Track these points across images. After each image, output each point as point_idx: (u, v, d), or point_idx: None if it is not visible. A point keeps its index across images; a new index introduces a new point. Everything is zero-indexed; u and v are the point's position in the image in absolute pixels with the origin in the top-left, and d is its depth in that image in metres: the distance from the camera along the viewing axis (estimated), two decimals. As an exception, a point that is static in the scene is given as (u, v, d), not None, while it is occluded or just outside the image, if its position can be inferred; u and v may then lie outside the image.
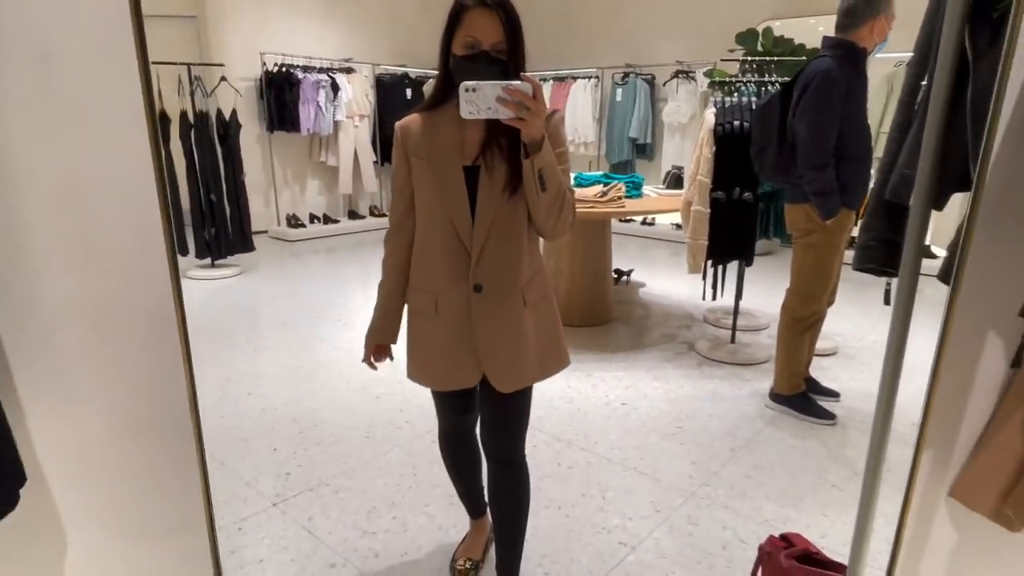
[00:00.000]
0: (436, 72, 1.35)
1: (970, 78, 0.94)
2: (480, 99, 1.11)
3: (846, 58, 2.36)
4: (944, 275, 1.03)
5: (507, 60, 1.22)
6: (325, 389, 3.03)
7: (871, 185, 1.56)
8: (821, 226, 2.48)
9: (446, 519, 2.08)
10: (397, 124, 1.39)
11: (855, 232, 1.81)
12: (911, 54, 1.14)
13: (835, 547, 1.95)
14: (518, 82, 1.11)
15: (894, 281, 1.26)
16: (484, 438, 1.58)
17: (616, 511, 2.13)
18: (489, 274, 1.36)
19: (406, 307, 1.53)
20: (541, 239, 1.46)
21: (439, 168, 1.33)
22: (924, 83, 1.05)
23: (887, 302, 1.36)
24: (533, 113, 1.13)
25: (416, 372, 1.53)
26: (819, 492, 2.24)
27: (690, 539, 1.99)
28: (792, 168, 2.48)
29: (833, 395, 2.91)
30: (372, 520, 2.07)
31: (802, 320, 2.67)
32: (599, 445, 2.55)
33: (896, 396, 1.09)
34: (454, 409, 1.62)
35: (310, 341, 3.67)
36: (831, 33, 2.47)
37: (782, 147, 2.49)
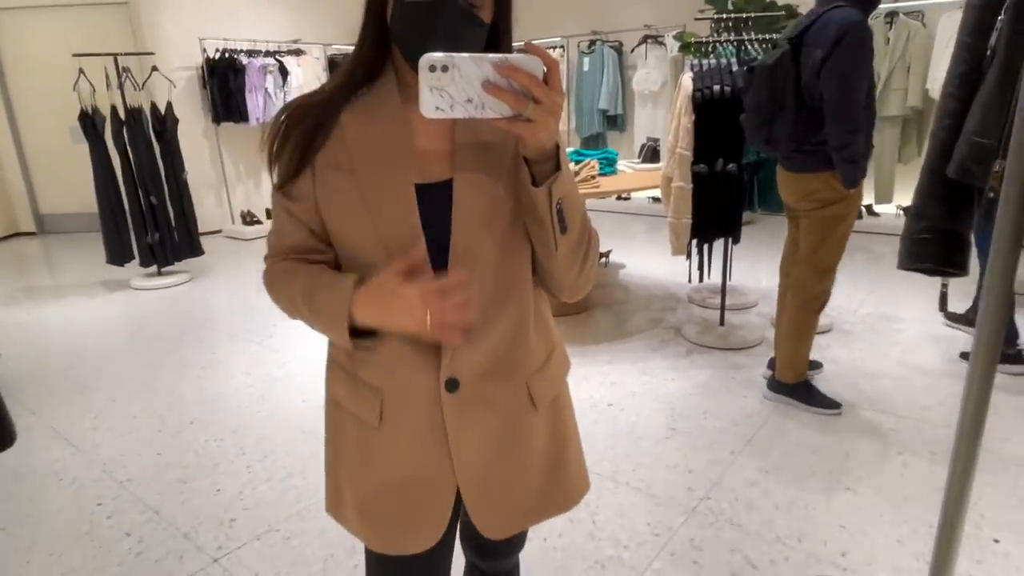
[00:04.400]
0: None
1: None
2: (454, 84, 0.67)
3: (861, 8, 2.12)
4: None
5: (487, 21, 0.79)
6: (278, 411, 2.72)
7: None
8: (843, 195, 2.25)
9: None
10: (287, 105, 0.84)
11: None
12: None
13: (856, 567, 1.73)
14: (520, 55, 0.67)
15: (954, 281, 1.02)
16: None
17: (609, 537, 1.88)
18: (472, 360, 0.87)
19: (327, 403, 0.98)
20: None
21: (375, 187, 0.81)
22: (1001, 19, 0.78)
23: (942, 308, 1.10)
24: (545, 109, 0.68)
25: (345, 512, 0.99)
26: (833, 498, 2.01)
27: (696, 568, 1.75)
28: (811, 134, 2.21)
29: (816, 366, 2.76)
30: (330, 570, 1.79)
31: (817, 297, 2.43)
32: (586, 456, 2.29)
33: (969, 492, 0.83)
34: None
35: (263, 354, 3.34)
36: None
37: (799, 111, 2.21)
